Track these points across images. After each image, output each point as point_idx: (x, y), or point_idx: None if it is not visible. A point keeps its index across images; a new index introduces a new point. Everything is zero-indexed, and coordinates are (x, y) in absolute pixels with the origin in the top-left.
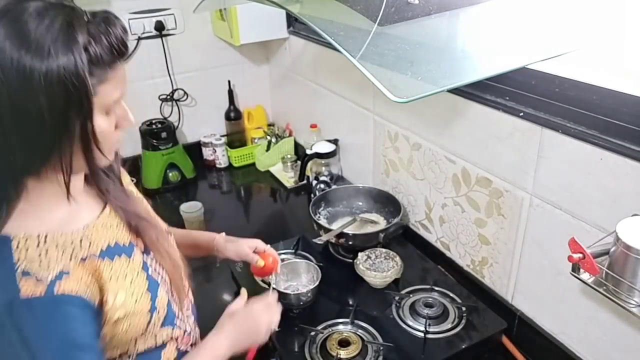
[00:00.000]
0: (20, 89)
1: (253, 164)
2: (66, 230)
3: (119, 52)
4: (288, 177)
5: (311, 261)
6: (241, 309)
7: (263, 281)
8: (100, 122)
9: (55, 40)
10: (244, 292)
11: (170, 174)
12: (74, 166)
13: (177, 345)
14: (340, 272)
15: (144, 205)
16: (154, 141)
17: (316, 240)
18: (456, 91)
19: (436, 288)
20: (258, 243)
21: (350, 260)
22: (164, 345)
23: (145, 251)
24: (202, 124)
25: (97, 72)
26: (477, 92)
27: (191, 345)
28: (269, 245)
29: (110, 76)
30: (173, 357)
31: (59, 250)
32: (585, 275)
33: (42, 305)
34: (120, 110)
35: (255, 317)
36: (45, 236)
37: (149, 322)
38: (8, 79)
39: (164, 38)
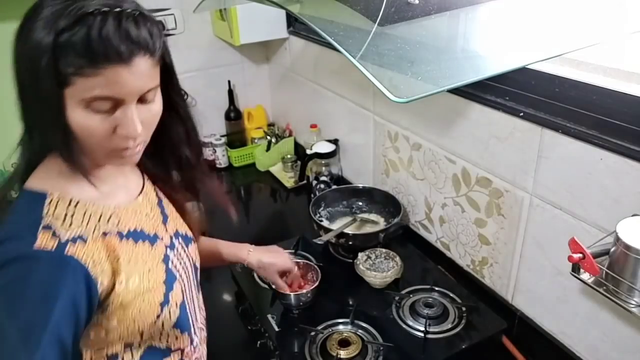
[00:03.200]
0: (17, 54)
1: (253, 164)
2: (99, 203)
3: (104, 53)
4: (288, 177)
5: (311, 261)
6: None
7: (262, 281)
8: (77, 115)
9: (47, 18)
10: None
11: None
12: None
13: (182, 357)
14: (340, 272)
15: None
16: None
17: (316, 241)
18: (456, 91)
19: (436, 288)
20: (286, 265)
21: (350, 260)
22: (168, 351)
23: (170, 246)
24: (202, 124)
25: (73, 60)
26: (477, 92)
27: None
28: (296, 269)
29: (93, 73)
30: None
31: (85, 217)
32: (585, 275)
33: (47, 259)
34: (123, 117)
35: None
36: (78, 202)
37: (158, 315)
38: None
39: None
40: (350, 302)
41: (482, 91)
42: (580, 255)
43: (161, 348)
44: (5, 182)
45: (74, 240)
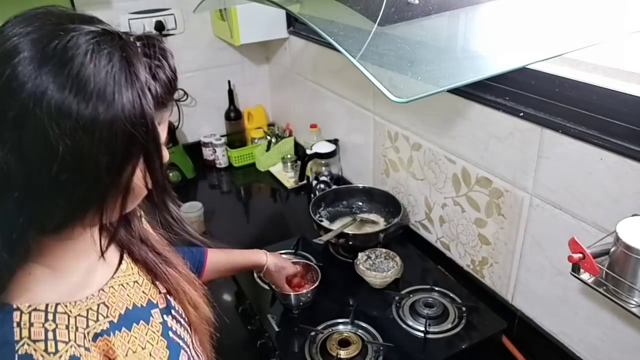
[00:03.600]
0: (77, 143)
1: (253, 164)
2: (81, 296)
3: (174, 87)
4: (288, 177)
5: (311, 261)
6: None
7: (262, 281)
8: (138, 169)
9: (116, 84)
10: None
11: (170, 174)
12: (111, 218)
13: None
14: (340, 272)
15: (163, 246)
16: None
17: (316, 241)
18: (456, 91)
19: (436, 288)
20: (291, 270)
21: (350, 260)
22: None
23: (166, 309)
24: (202, 124)
25: (157, 114)
26: (477, 92)
27: None
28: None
29: (166, 116)
30: None
31: (70, 328)
32: (585, 275)
33: None
34: None
35: None
36: (56, 307)
37: None
38: (61, 132)
39: (164, 38)
40: (350, 302)
41: (482, 91)
42: (580, 255)
43: None
44: None
45: None
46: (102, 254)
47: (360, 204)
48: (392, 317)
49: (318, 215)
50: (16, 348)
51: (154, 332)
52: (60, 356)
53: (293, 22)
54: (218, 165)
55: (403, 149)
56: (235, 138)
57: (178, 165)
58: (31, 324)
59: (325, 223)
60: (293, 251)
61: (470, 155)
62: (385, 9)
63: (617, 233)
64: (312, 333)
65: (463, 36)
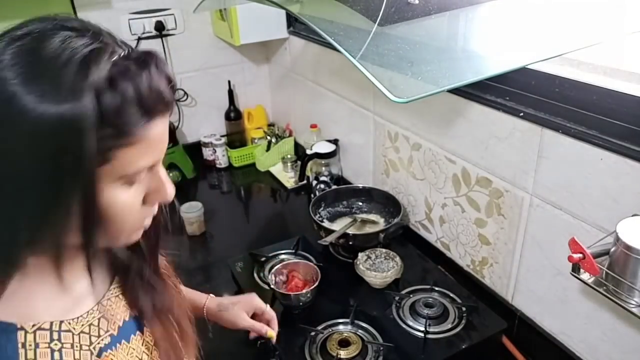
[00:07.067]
0: (8, 134)
1: (253, 164)
2: (81, 311)
3: (154, 108)
4: (288, 177)
5: (311, 261)
6: None
7: (262, 281)
8: (119, 195)
9: (65, 79)
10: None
11: (170, 174)
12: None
13: None
14: (340, 272)
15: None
16: None
17: (321, 242)
18: (456, 91)
19: (436, 288)
20: (254, 302)
21: (350, 260)
22: None
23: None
24: (202, 124)
25: (116, 130)
26: (477, 92)
27: None
28: (267, 306)
29: (138, 138)
30: None
31: (75, 347)
32: (585, 275)
33: None
34: (154, 181)
35: None
36: (60, 325)
37: None
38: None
39: (164, 38)
40: (350, 302)
41: (482, 91)
42: (580, 255)
43: None
44: None
45: None
46: (90, 275)
47: (360, 204)
48: (392, 317)
49: (318, 215)
50: None
51: (148, 342)
52: None
53: (293, 22)
54: (218, 165)
55: (403, 149)
56: (235, 138)
57: (178, 165)
58: (37, 345)
59: (326, 223)
60: (293, 251)
61: (470, 155)
62: (385, 9)
63: (617, 233)
64: (312, 333)
65: (463, 36)
